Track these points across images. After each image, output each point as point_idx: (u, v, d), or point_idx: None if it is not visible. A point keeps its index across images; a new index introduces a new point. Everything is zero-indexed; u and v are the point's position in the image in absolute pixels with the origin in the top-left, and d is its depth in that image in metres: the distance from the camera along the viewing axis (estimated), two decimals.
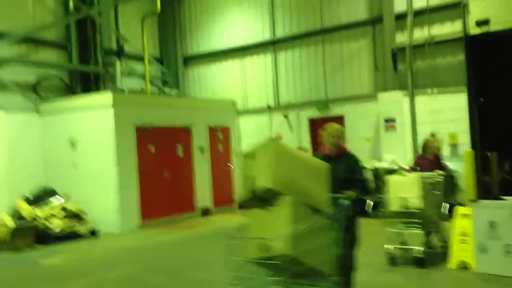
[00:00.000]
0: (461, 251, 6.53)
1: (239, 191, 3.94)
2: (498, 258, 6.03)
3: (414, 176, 6.71)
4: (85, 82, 13.57)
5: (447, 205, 10.57)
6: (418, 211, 6.44)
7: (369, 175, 10.32)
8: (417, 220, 6.55)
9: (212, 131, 13.82)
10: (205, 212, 13.17)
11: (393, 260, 6.77)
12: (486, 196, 11.02)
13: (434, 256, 6.83)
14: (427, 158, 7.55)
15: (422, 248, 6.67)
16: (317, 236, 3.87)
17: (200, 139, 13.34)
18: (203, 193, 13.23)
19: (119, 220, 10.93)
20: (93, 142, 11.27)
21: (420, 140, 11.82)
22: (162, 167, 12.16)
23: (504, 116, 11.72)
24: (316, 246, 3.83)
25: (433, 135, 8.01)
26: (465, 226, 6.54)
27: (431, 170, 7.07)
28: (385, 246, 6.82)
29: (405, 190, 6.46)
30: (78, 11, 13.34)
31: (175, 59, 16.00)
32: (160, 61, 16.09)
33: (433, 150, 7.57)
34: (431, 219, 6.76)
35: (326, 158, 5.06)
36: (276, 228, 3.72)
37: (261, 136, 14.30)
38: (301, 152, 4.75)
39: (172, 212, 12.12)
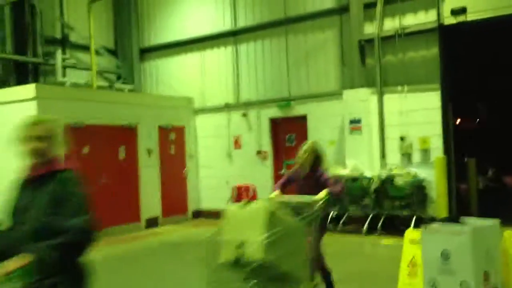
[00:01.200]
0: (409, 286, 5.20)
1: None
2: None
3: (260, 206, 4.14)
4: (22, 74, 12.18)
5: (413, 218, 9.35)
6: (257, 263, 3.86)
7: None
8: (255, 279, 3.92)
9: (163, 131, 12.46)
10: (152, 223, 11.81)
11: None
12: (461, 208, 9.72)
13: None
14: (300, 176, 5.42)
15: None
16: None
17: (147, 140, 11.98)
18: (150, 201, 11.85)
19: None
20: (10, 140, 9.83)
21: (389, 144, 10.55)
22: (99, 172, 10.75)
23: (481, 117, 10.46)
24: None
25: (312, 142, 5.62)
26: (415, 255, 5.20)
27: (305, 192, 5.08)
28: None
29: (244, 228, 4.01)
30: None
31: (130, 52, 14.56)
32: (114, 53, 14.69)
33: (302, 163, 5.33)
34: (286, 273, 4.12)
35: (24, 182, 2.83)
36: None
37: (219, 137, 12.97)
38: None
39: (110, 223, 10.62)
